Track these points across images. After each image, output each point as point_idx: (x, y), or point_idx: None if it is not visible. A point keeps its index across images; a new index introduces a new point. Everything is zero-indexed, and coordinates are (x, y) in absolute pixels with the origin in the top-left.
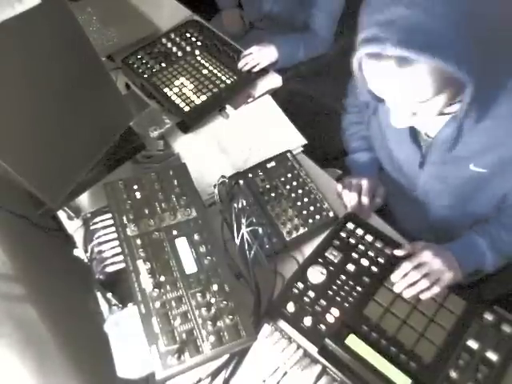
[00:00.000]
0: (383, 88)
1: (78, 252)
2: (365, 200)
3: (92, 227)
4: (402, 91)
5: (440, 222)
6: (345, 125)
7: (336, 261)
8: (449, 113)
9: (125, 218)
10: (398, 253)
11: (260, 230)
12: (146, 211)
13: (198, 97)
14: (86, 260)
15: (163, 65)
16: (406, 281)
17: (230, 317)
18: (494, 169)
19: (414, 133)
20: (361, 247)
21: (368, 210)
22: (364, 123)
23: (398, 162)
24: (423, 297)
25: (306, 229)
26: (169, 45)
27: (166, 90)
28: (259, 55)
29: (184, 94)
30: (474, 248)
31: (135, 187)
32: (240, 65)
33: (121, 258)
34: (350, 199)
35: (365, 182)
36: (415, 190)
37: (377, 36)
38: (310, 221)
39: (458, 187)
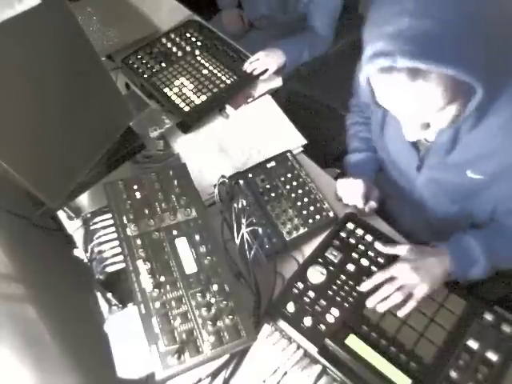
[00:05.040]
0: (395, 101)
1: (78, 252)
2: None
3: (92, 227)
4: (415, 103)
5: (437, 223)
6: (347, 124)
7: (336, 261)
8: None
9: (125, 218)
10: (382, 248)
11: (260, 230)
12: (146, 211)
13: (198, 97)
14: (85, 260)
15: (163, 65)
16: (378, 295)
17: (230, 317)
18: (493, 176)
19: None
20: (361, 247)
21: (364, 212)
22: (366, 123)
23: (397, 163)
24: (400, 314)
25: (306, 229)
26: (169, 45)
27: (166, 89)
28: (267, 60)
29: (184, 93)
30: (466, 248)
31: (135, 187)
32: (248, 70)
33: (121, 258)
34: (351, 202)
35: (359, 183)
36: (413, 192)
37: (386, 49)
38: (310, 221)
39: (454, 192)
